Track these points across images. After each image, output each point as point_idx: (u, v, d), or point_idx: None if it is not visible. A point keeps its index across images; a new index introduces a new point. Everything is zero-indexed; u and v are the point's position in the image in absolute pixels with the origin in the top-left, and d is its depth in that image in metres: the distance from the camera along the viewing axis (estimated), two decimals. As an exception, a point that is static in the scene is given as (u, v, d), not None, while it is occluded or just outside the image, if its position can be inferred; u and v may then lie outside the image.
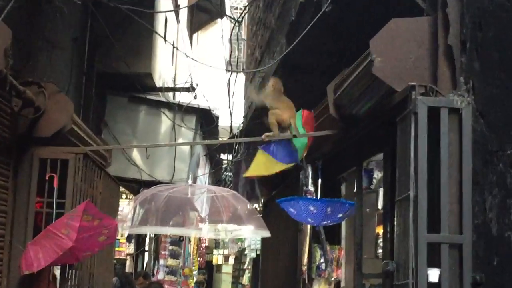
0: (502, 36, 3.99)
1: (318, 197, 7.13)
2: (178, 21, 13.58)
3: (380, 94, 5.04)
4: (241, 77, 13.05)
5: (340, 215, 6.41)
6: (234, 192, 7.76)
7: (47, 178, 6.41)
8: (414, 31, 4.75)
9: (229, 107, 11.19)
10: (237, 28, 10.95)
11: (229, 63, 11.85)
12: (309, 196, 7.12)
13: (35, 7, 6.89)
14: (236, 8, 22.82)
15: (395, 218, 4.74)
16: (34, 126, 6.39)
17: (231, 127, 11.54)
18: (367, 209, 7.00)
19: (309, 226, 7.29)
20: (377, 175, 6.71)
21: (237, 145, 12.35)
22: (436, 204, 4.33)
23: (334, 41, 6.59)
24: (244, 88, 12.49)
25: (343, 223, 7.15)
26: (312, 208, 6.28)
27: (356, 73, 5.28)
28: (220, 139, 13.62)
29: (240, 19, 10.57)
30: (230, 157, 14.27)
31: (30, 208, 6.40)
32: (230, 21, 13.48)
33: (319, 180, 6.93)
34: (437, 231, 4.29)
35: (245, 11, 11.37)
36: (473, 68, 4.30)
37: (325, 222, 6.51)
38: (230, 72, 11.40)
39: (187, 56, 8.58)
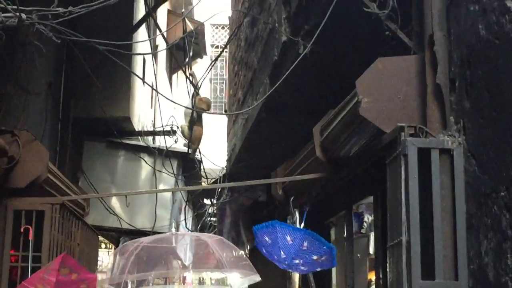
0: (491, 74, 3.91)
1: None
2: (155, 63, 13.47)
3: (368, 136, 4.97)
4: (223, 118, 12.96)
5: (314, 257, 6.01)
6: (220, 237, 7.57)
7: (22, 230, 6.23)
8: (401, 70, 4.67)
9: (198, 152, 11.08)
10: (217, 68, 10.86)
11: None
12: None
13: (8, 51, 6.74)
14: (217, 47, 22.84)
15: (387, 264, 4.61)
16: (7, 177, 6.22)
17: (206, 175, 11.38)
18: (358, 255, 6.87)
19: (297, 274, 7.12)
20: (368, 218, 6.62)
21: (220, 189, 12.20)
22: (429, 249, 4.20)
23: (319, 81, 6.52)
24: (227, 131, 12.36)
25: (334, 270, 7.01)
26: (288, 238, 5.98)
27: (342, 114, 5.21)
28: (203, 183, 13.46)
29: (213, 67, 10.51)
30: (214, 201, 14.11)
31: (5, 262, 6.20)
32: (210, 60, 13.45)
33: (302, 225, 6.76)
34: (432, 278, 4.15)
35: (223, 51, 11.29)
36: (463, 107, 4.21)
37: (296, 261, 6.06)
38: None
39: (166, 98, 8.43)
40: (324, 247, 5.99)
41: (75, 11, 4.98)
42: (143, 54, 11.01)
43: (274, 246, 6.14)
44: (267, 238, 6.14)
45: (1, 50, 6.58)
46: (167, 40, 10.40)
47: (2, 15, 4.66)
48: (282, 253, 6.11)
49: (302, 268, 6.17)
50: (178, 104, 7.05)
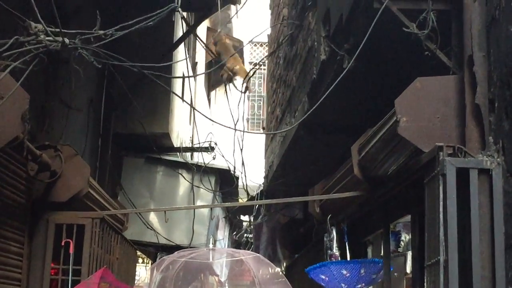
0: (531, 95, 3.88)
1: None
2: (194, 80, 13.54)
3: (406, 155, 4.95)
4: (261, 135, 12.98)
5: (374, 276, 6.27)
6: (258, 254, 7.57)
7: (62, 244, 6.28)
8: (440, 90, 4.66)
9: (242, 167, 11.03)
10: (255, 85, 10.88)
11: (243, 120, 11.68)
12: (334, 260, 6.93)
13: (51, 68, 6.85)
14: (255, 64, 22.90)
15: (425, 284, 4.57)
16: (49, 191, 6.30)
17: (246, 189, 11.37)
18: (395, 274, 6.80)
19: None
20: (405, 237, 6.57)
21: (257, 206, 12.21)
22: (467, 269, 4.16)
23: (358, 100, 6.52)
24: (264, 148, 12.39)
25: (371, 289, 6.97)
26: (345, 272, 6.15)
27: (381, 133, 5.21)
28: (240, 200, 13.45)
29: (248, 80, 10.50)
30: (250, 219, 14.11)
31: (45, 275, 6.26)
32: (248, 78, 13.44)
33: (346, 243, 6.76)
34: (470, 298, 4.10)
35: (260, 67, 11.31)
36: (502, 127, 4.17)
37: (359, 286, 6.34)
38: (243, 132, 11.27)
39: (204, 116, 8.49)
40: (379, 264, 6.25)
41: (116, 34, 5.01)
42: (183, 77, 11.08)
43: (333, 281, 6.39)
44: (323, 277, 6.36)
45: (45, 67, 6.70)
46: (214, 53, 10.43)
47: (46, 38, 4.73)
48: (343, 285, 6.36)
49: (364, 286, 6.46)
50: (215, 122, 7.07)
